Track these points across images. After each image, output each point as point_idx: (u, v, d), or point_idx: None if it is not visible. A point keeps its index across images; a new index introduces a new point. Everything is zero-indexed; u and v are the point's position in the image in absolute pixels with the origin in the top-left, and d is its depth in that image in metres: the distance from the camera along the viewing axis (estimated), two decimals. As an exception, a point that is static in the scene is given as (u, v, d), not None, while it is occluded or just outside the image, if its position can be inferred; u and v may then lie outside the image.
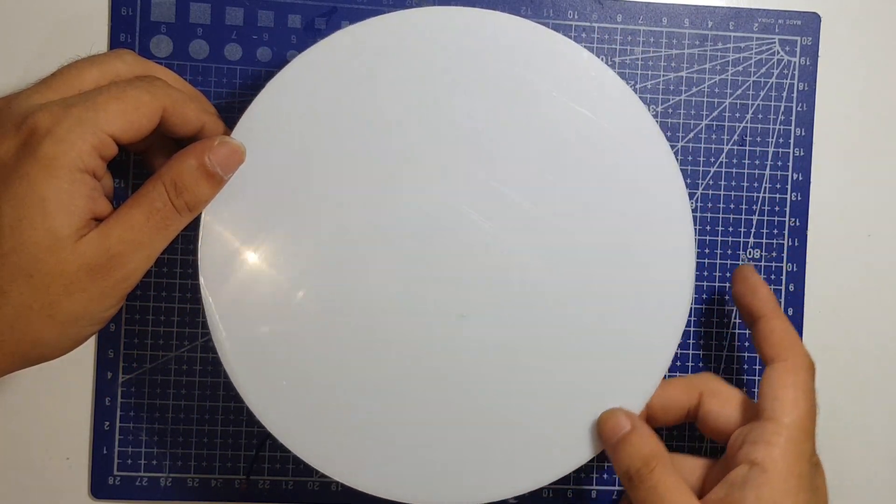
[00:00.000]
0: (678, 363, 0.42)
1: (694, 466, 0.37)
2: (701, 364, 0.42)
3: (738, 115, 0.42)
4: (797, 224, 0.42)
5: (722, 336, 0.42)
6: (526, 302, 0.36)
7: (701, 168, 0.42)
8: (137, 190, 0.33)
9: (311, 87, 0.35)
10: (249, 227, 0.35)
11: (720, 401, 0.36)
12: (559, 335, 0.36)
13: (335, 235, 0.35)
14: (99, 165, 0.32)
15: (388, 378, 0.36)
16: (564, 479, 0.36)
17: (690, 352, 0.42)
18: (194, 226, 0.34)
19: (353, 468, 0.35)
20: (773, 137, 0.42)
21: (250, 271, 0.35)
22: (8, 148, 0.30)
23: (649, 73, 0.41)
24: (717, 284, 0.42)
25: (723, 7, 0.42)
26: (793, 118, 0.42)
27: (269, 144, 0.35)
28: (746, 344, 0.42)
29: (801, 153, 0.42)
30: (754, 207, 0.42)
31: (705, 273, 0.42)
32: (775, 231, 0.42)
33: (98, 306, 0.32)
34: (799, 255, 0.42)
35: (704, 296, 0.42)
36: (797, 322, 0.42)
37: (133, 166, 0.40)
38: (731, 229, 0.42)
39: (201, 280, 0.34)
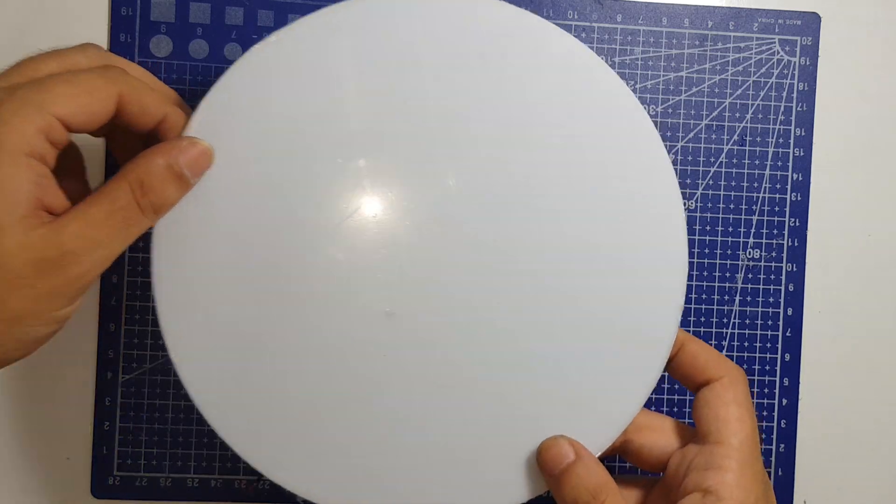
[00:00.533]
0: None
1: (629, 495, 0.35)
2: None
3: (738, 115, 0.42)
4: (797, 224, 0.42)
5: (721, 336, 0.42)
6: (517, 303, 0.34)
7: (701, 168, 0.42)
8: (98, 187, 0.30)
9: (270, 80, 0.33)
10: (202, 232, 0.33)
11: (651, 432, 0.35)
12: (550, 337, 0.34)
13: (296, 237, 0.33)
14: (48, 150, 0.29)
15: (360, 391, 0.34)
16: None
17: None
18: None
19: (319, 483, 0.34)
20: (773, 137, 0.42)
21: (206, 283, 0.33)
22: None
23: (649, 73, 0.41)
24: (716, 284, 0.42)
25: (723, 7, 0.42)
26: (793, 118, 0.42)
27: (227, 140, 0.33)
28: (745, 344, 0.42)
29: (801, 153, 0.42)
30: (754, 207, 0.42)
31: (705, 273, 0.42)
32: (775, 231, 0.42)
33: (47, 305, 0.29)
34: (799, 255, 0.42)
35: (704, 296, 0.42)
36: (797, 322, 0.42)
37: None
38: (731, 229, 0.42)
39: (155, 295, 0.33)
